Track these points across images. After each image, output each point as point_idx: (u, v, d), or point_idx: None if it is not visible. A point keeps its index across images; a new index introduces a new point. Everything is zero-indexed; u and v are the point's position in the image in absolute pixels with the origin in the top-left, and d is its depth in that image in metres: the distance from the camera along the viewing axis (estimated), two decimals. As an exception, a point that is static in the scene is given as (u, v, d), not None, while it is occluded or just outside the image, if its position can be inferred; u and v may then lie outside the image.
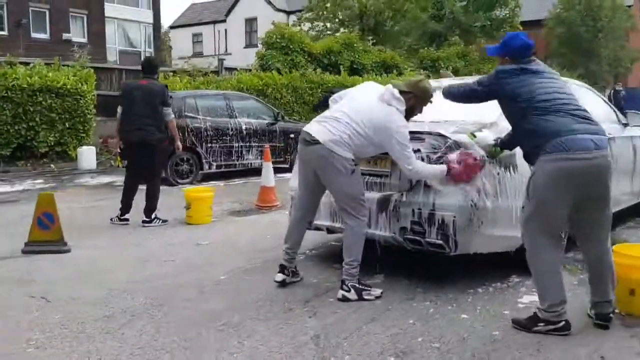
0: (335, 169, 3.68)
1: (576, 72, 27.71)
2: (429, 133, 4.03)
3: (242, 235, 5.66)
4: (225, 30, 39.33)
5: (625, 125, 5.86)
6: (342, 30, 23.96)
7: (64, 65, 12.21)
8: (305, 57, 16.24)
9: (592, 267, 3.34)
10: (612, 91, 16.13)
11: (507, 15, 23.31)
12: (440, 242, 3.85)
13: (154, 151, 6.10)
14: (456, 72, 19.50)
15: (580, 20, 29.98)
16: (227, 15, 39.65)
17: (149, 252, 5.05)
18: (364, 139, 3.68)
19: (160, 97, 6.13)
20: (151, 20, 30.52)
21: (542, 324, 3.18)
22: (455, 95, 3.76)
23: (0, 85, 10.72)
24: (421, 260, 4.41)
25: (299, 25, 24.21)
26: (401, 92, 3.77)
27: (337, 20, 24.37)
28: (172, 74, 14.02)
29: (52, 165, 11.28)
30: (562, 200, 3.10)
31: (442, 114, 4.35)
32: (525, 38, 3.43)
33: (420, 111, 3.93)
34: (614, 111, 5.90)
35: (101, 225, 6.12)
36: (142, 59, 29.25)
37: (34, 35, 24.84)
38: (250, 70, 15.53)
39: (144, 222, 6.09)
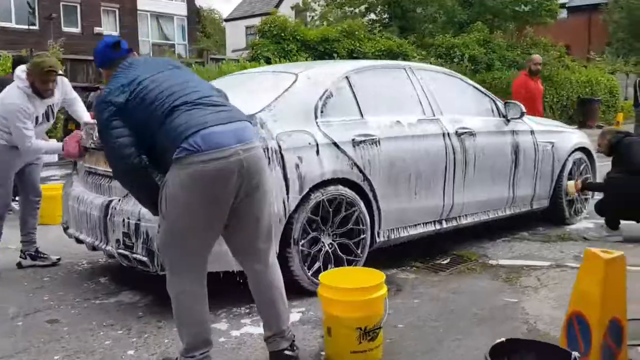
0: None
1: (635, 58, 25.64)
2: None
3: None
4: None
5: (509, 119, 4.92)
6: (369, 16, 23.11)
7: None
8: (299, 45, 15.56)
9: (257, 291, 2.61)
10: (638, 80, 14.41)
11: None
12: (144, 258, 3.21)
13: None
14: (474, 60, 18.22)
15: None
16: (276, 6, 39.51)
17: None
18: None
19: None
20: (185, 13, 30.69)
21: None
22: None
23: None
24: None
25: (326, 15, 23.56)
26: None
27: (363, 7, 23.49)
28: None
29: None
30: (203, 215, 2.39)
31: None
32: (106, 39, 2.73)
33: (46, 88, 3.89)
34: (495, 104, 4.95)
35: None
36: (176, 51, 29.17)
37: (65, 29, 25.50)
38: (238, 61, 15.04)
39: None
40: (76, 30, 26.03)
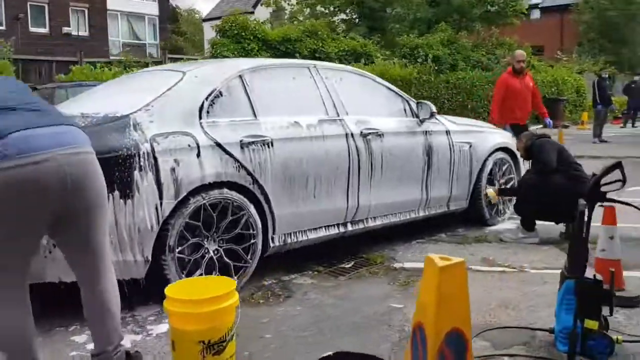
0: None
1: (604, 58, 25.77)
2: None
3: None
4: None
5: (422, 120, 4.83)
6: (339, 17, 23.05)
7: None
8: (260, 44, 15.44)
9: (87, 308, 2.46)
10: (596, 80, 14.49)
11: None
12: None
13: None
14: (438, 61, 18.20)
15: (610, 3, 28.08)
16: (254, 6, 39.28)
17: None
18: None
19: None
20: (157, 12, 30.40)
21: None
22: None
23: None
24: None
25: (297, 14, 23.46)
26: None
27: (332, 7, 23.42)
28: (105, 65, 13.52)
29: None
30: (8, 228, 2.19)
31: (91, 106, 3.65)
32: None
33: None
34: (408, 104, 4.86)
35: None
36: (147, 51, 28.77)
37: (33, 29, 25.12)
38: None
39: None
40: (44, 30, 25.67)
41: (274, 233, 3.86)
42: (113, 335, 2.45)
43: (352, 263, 4.31)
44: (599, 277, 2.67)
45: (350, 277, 4.03)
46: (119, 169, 3.14)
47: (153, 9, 30.30)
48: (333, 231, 4.23)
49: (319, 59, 16.21)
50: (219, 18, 41.98)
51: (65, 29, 26.04)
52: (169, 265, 3.34)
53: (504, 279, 3.98)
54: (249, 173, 3.66)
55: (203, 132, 3.52)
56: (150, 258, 3.26)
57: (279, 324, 3.20)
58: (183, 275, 3.39)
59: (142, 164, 3.21)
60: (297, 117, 4.03)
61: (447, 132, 5.04)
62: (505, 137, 5.64)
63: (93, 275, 2.42)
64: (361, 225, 4.42)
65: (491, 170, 5.42)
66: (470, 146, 5.20)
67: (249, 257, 3.70)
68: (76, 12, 26.87)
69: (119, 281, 3.15)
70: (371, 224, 4.49)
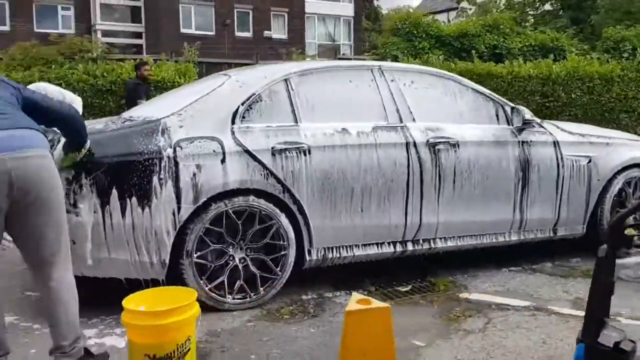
0: None
1: None
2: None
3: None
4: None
5: (521, 129, 4.18)
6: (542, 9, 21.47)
7: (175, 61, 13.38)
8: (432, 42, 14.85)
9: (44, 304, 2.56)
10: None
11: None
12: None
13: None
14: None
15: None
16: (458, 2, 38.47)
17: None
18: None
19: None
20: (352, 13, 31.20)
21: None
22: None
23: (107, 80, 12.26)
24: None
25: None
26: None
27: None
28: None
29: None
30: None
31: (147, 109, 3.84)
32: None
33: None
34: (503, 109, 4.23)
35: None
36: (341, 52, 29.77)
37: (238, 34, 27.56)
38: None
39: None
40: (248, 34, 27.99)
41: (310, 246, 3.63)
42: (66, 331, 2.49)
43: (411, 286, 3.87)
44: (626, 343, 1.99)
45: (398, 302, 3.62)
46: (138, 172, 3.20)
47: (349, 10, 31.17)
48: (387, 249, 3.84)
49: (499, 55, 15.12)
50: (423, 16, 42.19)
51: (266, 33, 28.08)
52: (186, 270, 3.32)
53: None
54: (280, 181, 3.47)
55: (232, 137, 3.43)
56: (167, 261, 3.28)
57: (277, 345, 2.98)
58: (201, 281, 3.35)
59: (161, 168, 3.23)
60: (347, 124, 3.73)
61: (555, 144, 4.26)
62: (641, 151, 4.61)
63: (45, 270, 2.48)
64: (426, 246, 3.95)
65: (621, 190, 4.46)
66: (590, 161, 4.33)
67: (278, 269, 3.53)
68: (277, 16, 28.80)
69: (139, 280, 3.27)
70: (440, 244, 3.98)
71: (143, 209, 3.20)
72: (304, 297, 3.69)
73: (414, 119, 3.91)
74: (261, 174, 3.44)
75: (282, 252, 3.53)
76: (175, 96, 4.19)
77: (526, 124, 4.12)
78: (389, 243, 3.84)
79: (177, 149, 3.30)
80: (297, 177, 3.51)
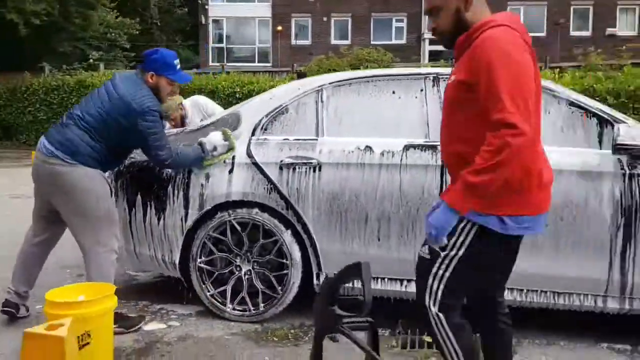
0: None
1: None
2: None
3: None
4: None
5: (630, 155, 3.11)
6: None
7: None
8: None
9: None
10: None
11: None
12: None
13: None
14: None
15: None
16: None
17: None
18: None
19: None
20: None
21: None
22: None
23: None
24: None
25: None
26: None
27: None
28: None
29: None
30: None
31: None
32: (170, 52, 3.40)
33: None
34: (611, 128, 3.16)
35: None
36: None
37: (573, 33, 25.19)
38: None
39: None
40: (586, 33, 25.35)
41: (319, 270, 3.37)
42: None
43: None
44: None
45: (398, 352, 3.08)
46: (157, 178, 3.52)
47: None
48: (412, 290, 3.26)
49: None
50: None
51: (609, 30, 24.96)
52: (191, 272, 3.51)
53: None
54: (283, 197, 3.33)
55: (247, 149, 3.44)
56: (177, 262, 3.52)
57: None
58: (204, 285, 3.49)
59: (176, 176, 3.48)
60: (374, 140, 3.31)
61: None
62: None
63: (81, 247, 3.26)
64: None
65: None
66: None
67: (280, 288, 3.39)
68: (625, 10, 25.29)
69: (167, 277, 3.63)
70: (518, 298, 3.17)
71: (161, 213, 3.51)
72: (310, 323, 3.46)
73: (463, 137, 3.21)
74: (264, 188, 3.36)
75: (285, 271, 3.38)
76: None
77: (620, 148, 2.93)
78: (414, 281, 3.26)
79: (196, 159, 3.50)
80: (302, 194, 3.32)
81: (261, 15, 28.03)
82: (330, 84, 3.53)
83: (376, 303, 3.36)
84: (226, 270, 3.50)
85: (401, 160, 3.23)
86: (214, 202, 3.43)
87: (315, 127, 3.45)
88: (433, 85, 3.37)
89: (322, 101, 3.48)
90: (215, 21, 28.57)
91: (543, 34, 24.95)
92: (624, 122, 3.10)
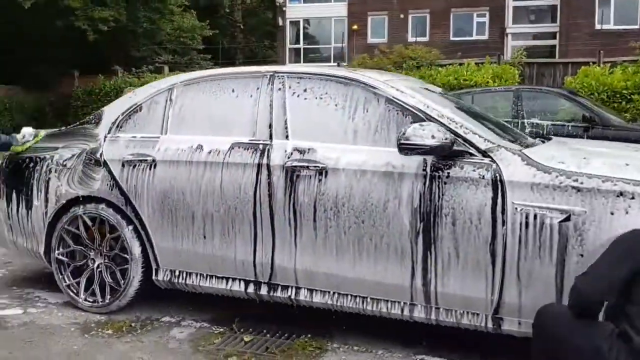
0: None
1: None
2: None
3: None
4: None
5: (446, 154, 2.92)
6: None
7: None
8: None
9: None
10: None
11: None
12: None
13: None
14: None
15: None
16: None
17: None
18: None
19: None
20: None
21: None
22: None
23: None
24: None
25: None
26: None
27: None
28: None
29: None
30: None
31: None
32: None
33: None
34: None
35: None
36: None
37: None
38: None
39: None
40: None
41: (157, 266, 3.42)
42: None
43: (264, 338, 3.15)
44: None
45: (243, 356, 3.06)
46: (28, 175, 3.75)
47: None
48: (237, 288, 3.22)
49: None
50: None
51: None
52: (52, 263, 3.69)
53: None
54: (123, 193, 3.41)
55: (100, 146, 3.56)
56: (42, 253, 3.72)
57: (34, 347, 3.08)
58: (62, 275, 3.65)
59: (41, 171, 3.69)
60: (208, 138, 3.30)
61: (496, 182, 2.64)
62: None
63: None
64: (286, 294, 3.11)
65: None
66: (568, 218, 2.51)
67: (122, 281, 3.48)
68: None
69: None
70: (303, 297, 3.07)
71: (28, 206, 3.74)
72: (160, 317, 3.51)
73: (287, 136, 3.13)
74: (107, 184, 3.47)
75: (125, 266, 3.47)
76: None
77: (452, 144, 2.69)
78: (243, 281, 3.23)
79: (55, 155, 3.68)
80: (138, 190, 3.39)
81: (337, 15, 28.11)
82: (181, 82, 3.57)
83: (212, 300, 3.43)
84: (81, 263, 3.65)
85: (224, 159, 3.21)
86: (66, 197, 3.59)
87: (161, 125, 3.50)
88: (268, 84, 3.30)
89: (170, 100, 3.53)
90: (293, 22, 29.06)
91: (636, 27, 22.94)
92: (438, 120, 2.87)
